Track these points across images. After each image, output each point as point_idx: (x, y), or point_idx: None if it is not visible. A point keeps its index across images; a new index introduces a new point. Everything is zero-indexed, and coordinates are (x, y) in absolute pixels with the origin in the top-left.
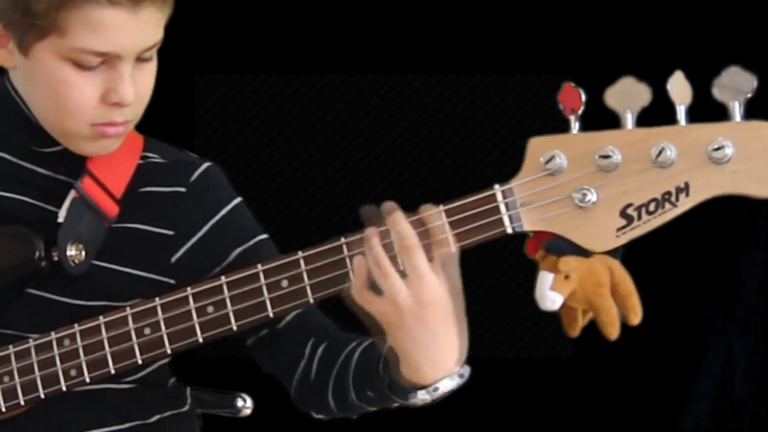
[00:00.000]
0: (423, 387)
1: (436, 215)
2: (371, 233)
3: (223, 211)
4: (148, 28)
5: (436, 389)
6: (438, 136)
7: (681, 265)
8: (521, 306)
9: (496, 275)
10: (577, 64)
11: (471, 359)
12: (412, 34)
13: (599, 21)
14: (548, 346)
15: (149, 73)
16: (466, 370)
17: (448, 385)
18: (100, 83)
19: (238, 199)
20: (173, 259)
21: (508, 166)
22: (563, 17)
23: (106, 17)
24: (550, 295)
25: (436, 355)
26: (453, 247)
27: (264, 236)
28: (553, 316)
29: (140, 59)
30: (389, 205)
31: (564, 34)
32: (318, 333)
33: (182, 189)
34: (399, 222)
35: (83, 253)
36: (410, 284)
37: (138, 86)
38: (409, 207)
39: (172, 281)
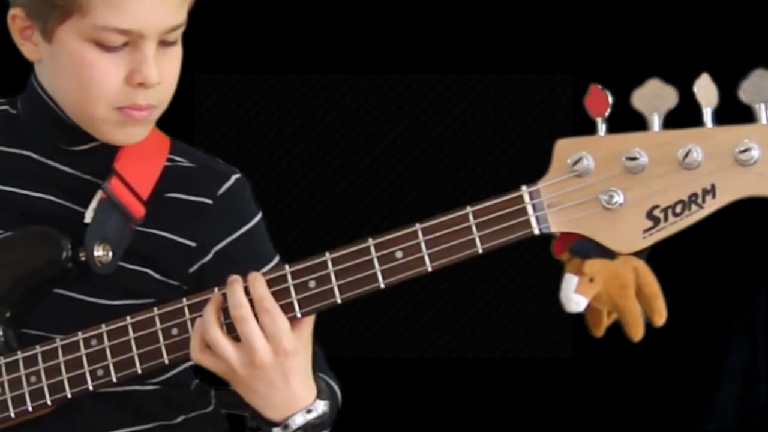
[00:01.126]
0: (275, 424)
1: (255, 284)
2: (210, 300)
3: (243, 230)
4: (170, 6)
5: (287, 426)
6: (438, 136)
7: (704, 267)
8: (521, 306)
9: (496, 275)
10: (577, 64)
11: (471, 359)
12: (413, 33)
13: (600, 21)
14: (548, 346)
15: (174, 57)
16: (319, 405)
17: (299, 420)
18: (124, 64)
19: (259, 216)
20: (191, 269)
21: (508, 166)
22: (563, 17)
23: None
24: (574, 298)
25: (276, 403)
26: (297, 314)
27: (276, 260)
28: (553, 316)
29: (164, 42)
30: (231, 277)
31: (564, 34)
32: None
33: (209, 201)
34: (234, 291)
35: (110, 253)
36: (241, 349)
37: (162, 71)
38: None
39: (185, 288)
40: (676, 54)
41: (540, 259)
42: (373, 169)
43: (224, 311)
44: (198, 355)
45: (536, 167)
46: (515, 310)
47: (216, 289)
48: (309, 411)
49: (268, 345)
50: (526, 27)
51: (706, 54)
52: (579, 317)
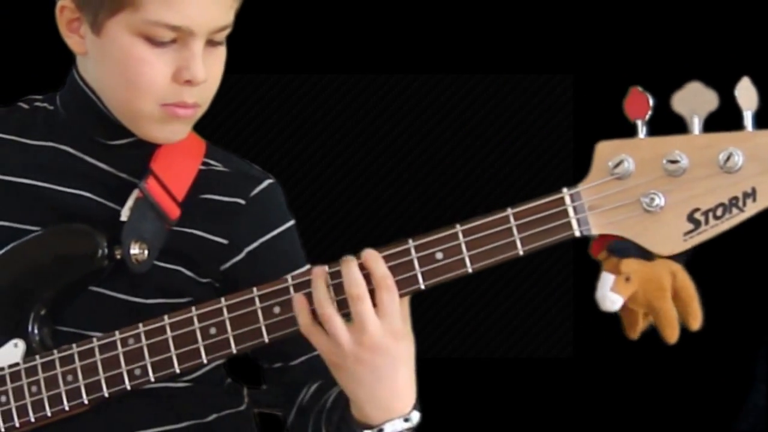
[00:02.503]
0: (369, 427)
1: (378, 262)
2: (318, 274)
3: (275, 232)
4: (219, 6)
5: (381, 431)
6: (438, 137)
7: (737, 271)
8: (521, 306)
9: (496, 275)
10: (577, 64)
11: (471, 359)
12: (413, 33)
13: (600, 21)
14: (548, 346)
15: (219, 58)
16: (414, 416)
17: (392, 428)
18: (172, 61)
19: (291, 222)
20: (222, 267)
21: (508, 165)
22: (563, 17)
23: None
24: (610, 296)
25: (380, 398)
26: (414, 287)
27: (306, 269)
28: (553, 316)
29: (211, 42)
30: (345, 257)
31: (564, 34)
32: (327, 379)
33: (242, 201)
34: (351, 269)
35: (146, 252)
36: (353, 329)
37: (208, 70)
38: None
39: (217, 285)
40: (676, 54)
41: (540, 259)
42: (373, 169)
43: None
44: (309, 329)
45: (536, 167)
46: (515, 310)
47: (326, 267)
48: (406, 420)
49: (381, 325)
50: (526, 27)
51: (706, 54)
52: (579, 317)
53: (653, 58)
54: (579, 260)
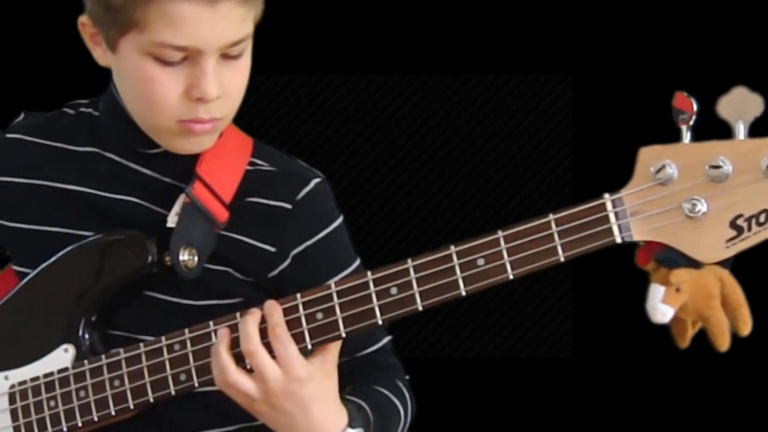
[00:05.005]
0: None
1: (273, 314)
2: (219, 339)
3: (321, 234)
4: (228, 22)
5: None
6: (437, 137)
7: None
8: (521, 306)
9: None
10: (577, 64)
11: (471, 359)
12: (413, 33)
13: (600, 21)
14: (548, 346)
15: (238, 70)
16: None
17: None
18: (183, 78)
19: (339, 220)
20: (270, 275)
21: (508, 166)
22: (563, 17)
23: (183, 11)
24: (661, 308)
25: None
26: (342, 333)
27: (357, 263)
28: (553, 316)
29: (226, 56)
30: (247, 310)
31: (564, 34)
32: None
33: (288, 206)
34: (244, 324)
35: (195, 258)
36: (256, 379)
37: (225, 83)
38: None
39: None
40: (676, 54)
41: None
42: (373, 169)
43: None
44: (224, 389)
45: (536, 167)
46: (515, 310)
47: (211, 323)
48: None
49: (280, 372)
50: (526, 27)
51: (706, 54)
52: (579, 318)
53: (653, 58)
54: (579, 260)
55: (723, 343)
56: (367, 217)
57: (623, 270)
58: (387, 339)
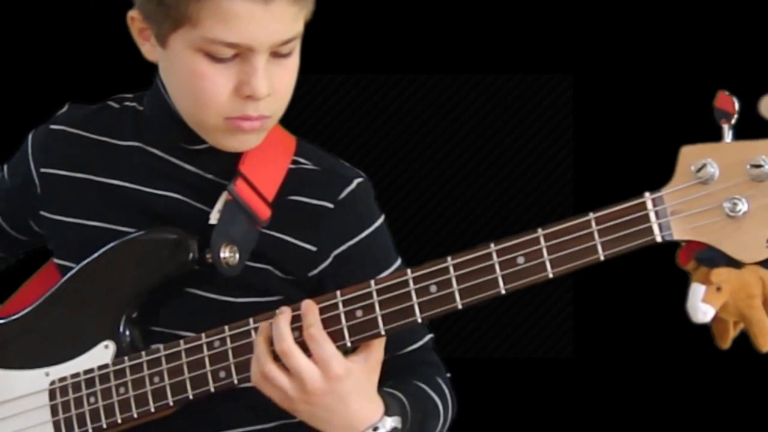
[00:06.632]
0: None
1: (309, 313)
2: (258, 333)
3: (363, 235)
4: (280, 21)
5: None
6: (437, 136)
7: None
8: (521, 306)
9: None
10: (577, 64)
11: (471, 359)
12: (412, 33)
13: (600, 21)
14: (548, 346)
15: (288, 69)
16: (387, 422)
17: None
18: (234, 76)
19: (380, 220)
20: (311, 274)
21: (508, 166)
22: (563, 17)
23: (236, 8)
24: (702, 308)
25: (338, 426)
26: (381, 330)
27: (398, 263)
28: (553, 316)
29: (277, 54)
30: (279, 309)
31: (564, 34)
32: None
33: (330, 205)
34: (276, 324)
35: (237, 255)
36: (293, 378)
37: (275, 81)
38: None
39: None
40: (676, 54)
41: None
42: (373, 168)
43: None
44: (259, 384)
45: (535, 167)
46: (515, 310)
47: (252, 320)
48: (375, 429)
49: (318, 371)
50: (526, 27)
51: (707, 53)
52: (579, 317)
53: (653, 58)
54: None
55: (764, 343)
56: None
57: (623, 270)
58: (429, 337)
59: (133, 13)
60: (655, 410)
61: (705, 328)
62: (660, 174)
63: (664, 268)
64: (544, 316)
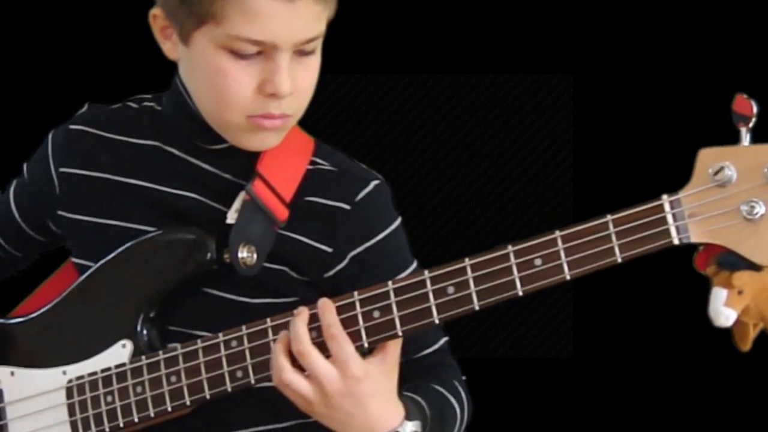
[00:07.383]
0: None
1: (326, 313)
2: (278, 340)
3: (379, 237)
4: (304, 19)
5: None
6: (437, 136)
7: None
8: (521, 306)
9: None
10: (577, 64)
11: (471, 359)
12: (412, 33)
13: (600, 21)
14: (548, 346)
15: (310, 67)
16: (407, 426)
17: None
18: (257, 73)
19: (397, 222)
20: (326, 275)
21: (508, 166)
22: (563, 17)
23: (261, 5)
24: (724, 312)
25: (357, 429)
26: (398, 331)
27: (414, 266)
28: (553, 316)
29: (300, 52)
30: (297, 309)
31: (564, 34)
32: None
33: (347, 206)
34: (294, 325)
35: (254, 255)
36: (311, 380)
37: (297, 80)
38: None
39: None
40: (676, 54)
41: None
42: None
43: None
44: (281, 389)
45: (535, 167)
46: (515, 310)
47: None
48: None
49: (336, 372)
50: (526, 27)
51: (707, 53)
52: (579, 317)
53: (653, 58)
54: None
55: None
56: None
57: (623, 270)
58: (444, 340)
59: (155, 11)
60: (655, 410)
61: (705, 328)
62: (660, 174)
63: (664, 269)
64: (544, 316)
